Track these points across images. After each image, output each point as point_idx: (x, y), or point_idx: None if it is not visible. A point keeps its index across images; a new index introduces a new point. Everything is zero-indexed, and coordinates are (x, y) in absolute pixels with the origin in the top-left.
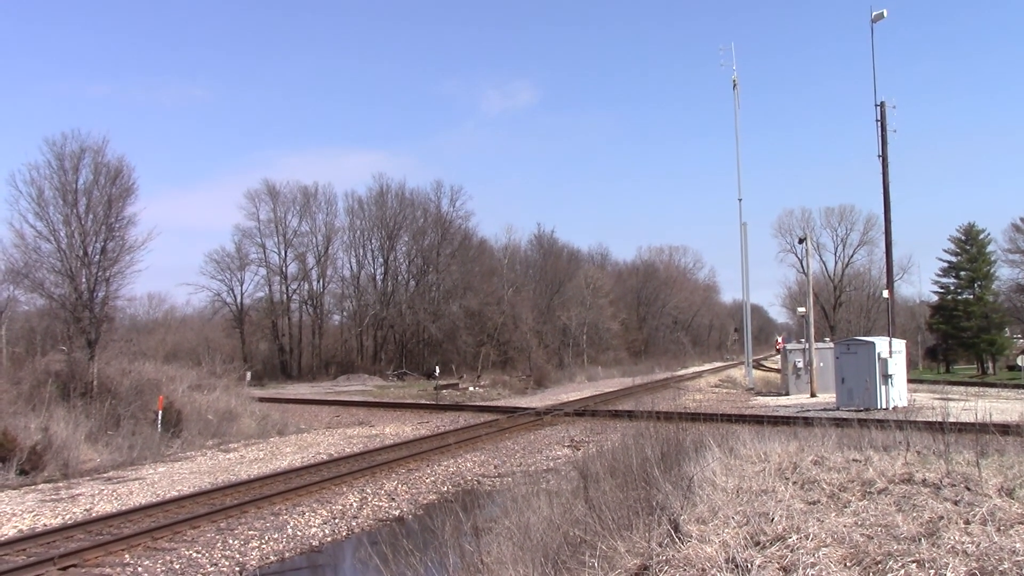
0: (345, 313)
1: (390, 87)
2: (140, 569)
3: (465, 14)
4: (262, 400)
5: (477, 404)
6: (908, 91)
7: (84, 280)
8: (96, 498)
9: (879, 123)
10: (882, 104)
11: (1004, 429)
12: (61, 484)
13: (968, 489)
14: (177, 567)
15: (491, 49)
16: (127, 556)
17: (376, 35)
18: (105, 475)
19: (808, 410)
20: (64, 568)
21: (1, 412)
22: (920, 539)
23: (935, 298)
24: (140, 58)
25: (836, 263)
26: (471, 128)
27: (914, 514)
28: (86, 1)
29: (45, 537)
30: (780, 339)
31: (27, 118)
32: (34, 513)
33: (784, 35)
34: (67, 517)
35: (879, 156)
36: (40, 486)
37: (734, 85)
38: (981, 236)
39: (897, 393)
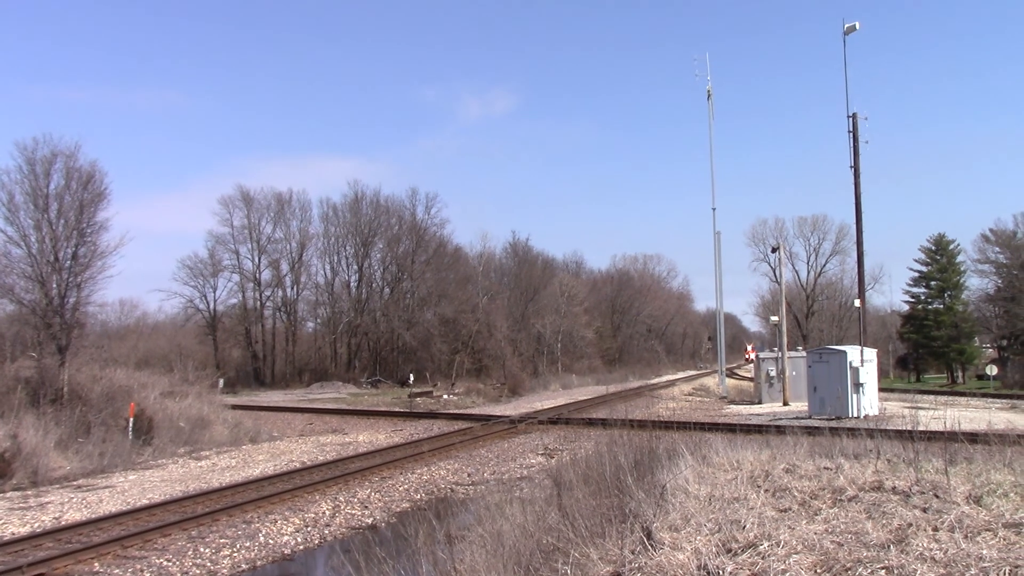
0: (319, 320)
1: (368, 94)
2: None
3: (444, 22)
4: (235, 407)
5: (451, 412)
6: (881, 103)
7: (55, 285)
8: (65, 506)
9: (851, 134)
10: (854, 116)
11: (972, 438)
12: (30, 492)
13: (937, 497)
14: (148, 575)
15: (470, 57)
16: (97, 564)
17: (354, 42)
18: (75, 483)
19: (780, 418)
20: None
21: None
22: (889, 546)
23: (906, 308)
24: (115, 64)
25: (809, 272)
26: (449, 135)
27: (884, 521)
28: (61, 6)
29: (13, 545)
30: (750, 347)
31: (0, 123)
32: (2, 521)
33: (759, 47)
34: (36, 525)
35: (851, 167)
36: (8, 494)
37: (708, 95)
38: (951, 247)
39: (868, 401)
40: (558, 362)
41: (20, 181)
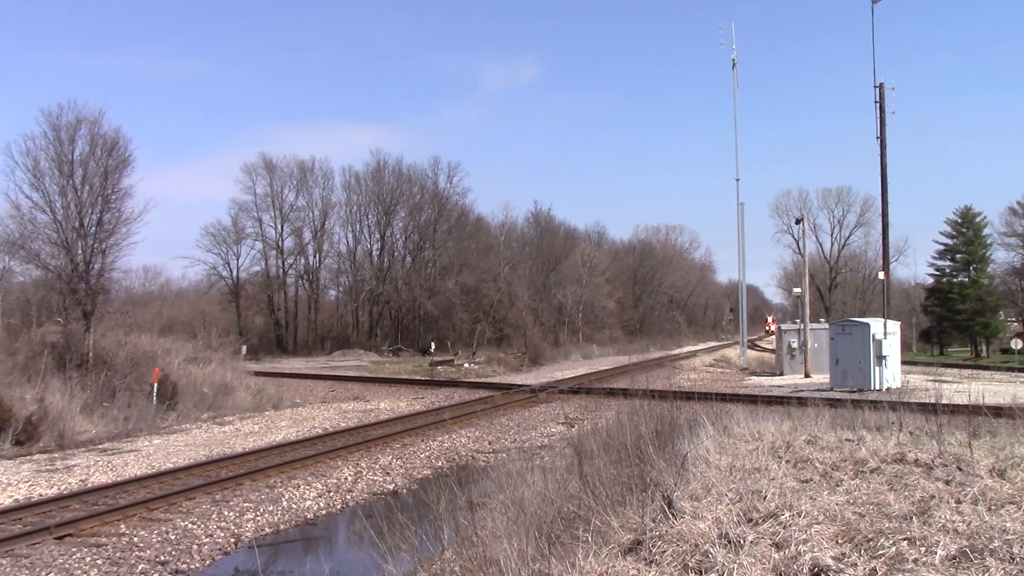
0: (341, 288)
1: (391, 62)
2: (135, 539)
3: None
4: (257, 374)
5: (472, 381)
6: (908, 72)
7: (80, 251)
8: (91, 469)
9: (878, 105)
10: (881, 86)
11: (996, 411)
12: (56, 455)
13: (960, 469)
14: (172, 537)
15: (495, 24)
16: (122, 526)
17: (378, 9)
18: (100, 446)
19: (802, 390)
20: (60, 537)
21: None
22: (911, 517)
23: (930, 280)
24: (140, 30)
25: (832, 244)
26: (472, 104)
27: (906, 493)
28: None
29: (41, 507)
30: (771, 319)
31: (25, 89)
32: (30, 483)
33: (785, 16)
34: (63, 487)
35: (877, 138)
36: (36, 456)
37: (733, 64)
38: (977, 219)
39: (891, 374)
40: (579, 332)
41: (45, 147)
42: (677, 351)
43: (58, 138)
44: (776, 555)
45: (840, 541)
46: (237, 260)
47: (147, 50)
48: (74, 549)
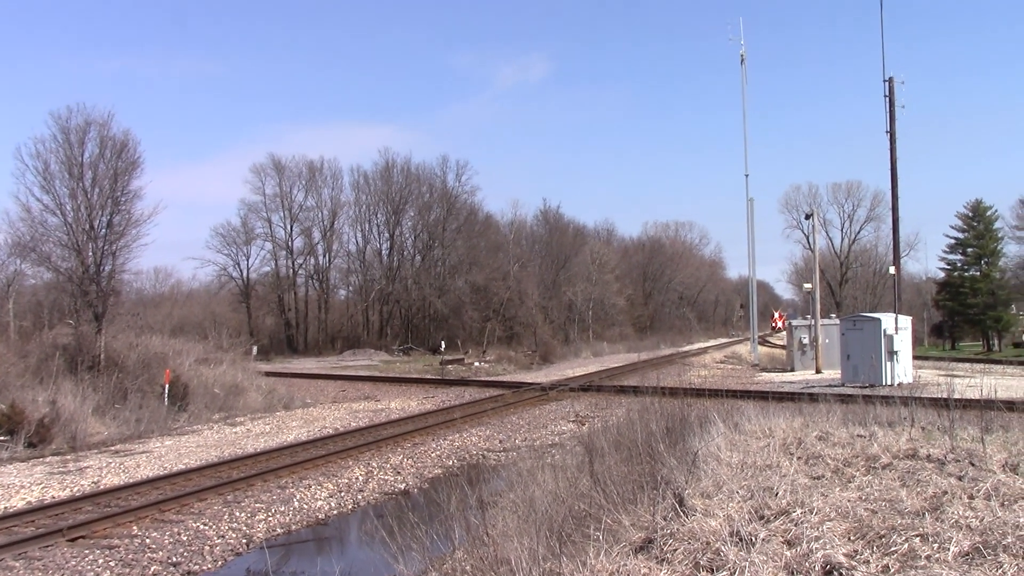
0: (351, 288)
1: (401, 61)
2: (148, 540)
3: None
4: (268, 374)
5: (482, 379)
6: (916, 66)
7: (91, 254)
8: (104, 471)
9: (887, 99)
10: (890, 80)
11: (1009, 405)
12: (69, 457)
13: (972, 465)
14: (184, 539)
15: (505, 23)
16: (135, 528)
17: (387, 7)
18: (112, 448)
19: (813, 386)
20: (73, 539)
21: (9, 385)
22: (924, 514)
23: (941, 275)
24: (149, 31)
25: (843, 239)
26: (482, 103)
27: (918, 489)
28: None
29: (53, 509)
30: (778, 314)
31: (36, 92)
32: (42, 485)
33: (793, 9)
34: (75, 489)
35: (887, 132)
36: (48, 459)
37: (742, 60)
38: (988, 213)
39: (902, 369)
40: (589, 329)
41: (55, 150)
42: (687, 348)
43: (67, 141)
44: (788, 553)
45: (852, 538)
46: (247, 261)
47: (157, 52)
48: (87, 551)
